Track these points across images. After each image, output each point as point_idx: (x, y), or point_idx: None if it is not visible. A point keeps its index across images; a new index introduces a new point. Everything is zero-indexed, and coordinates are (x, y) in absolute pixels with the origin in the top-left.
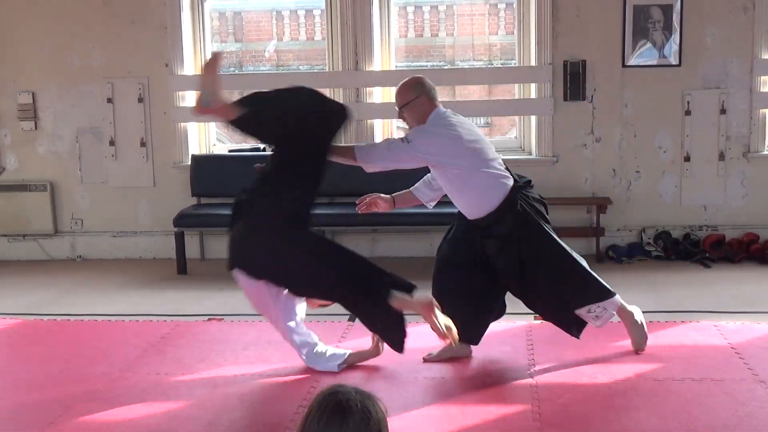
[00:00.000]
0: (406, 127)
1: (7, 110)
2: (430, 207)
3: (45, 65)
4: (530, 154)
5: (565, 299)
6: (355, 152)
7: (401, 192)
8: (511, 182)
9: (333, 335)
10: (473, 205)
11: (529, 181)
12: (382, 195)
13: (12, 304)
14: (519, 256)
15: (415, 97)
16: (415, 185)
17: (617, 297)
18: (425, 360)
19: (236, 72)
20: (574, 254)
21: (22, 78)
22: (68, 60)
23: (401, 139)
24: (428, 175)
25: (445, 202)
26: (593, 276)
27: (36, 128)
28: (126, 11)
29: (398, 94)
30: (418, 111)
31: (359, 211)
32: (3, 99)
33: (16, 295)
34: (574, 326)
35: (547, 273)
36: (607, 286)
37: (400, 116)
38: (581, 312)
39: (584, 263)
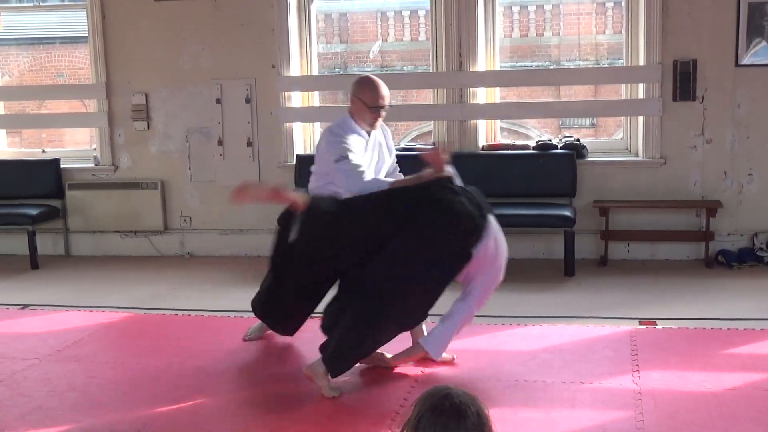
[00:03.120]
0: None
1: (121, 110)
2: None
3: (157, 67)
4: (637, 155)
5: None
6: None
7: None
8: None
9: None
10: None
11: None
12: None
13: (123, 298)
14: None
15: None
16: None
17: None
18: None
19: (341, 73)
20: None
21: (136, 79)
22: (179, 62)
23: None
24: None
25: (545, 203)
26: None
27: (148, 128)
28: (235, 14)
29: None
30: None
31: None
32: (118, 99)
33: (127, 289)
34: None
35: None
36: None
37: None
38: None
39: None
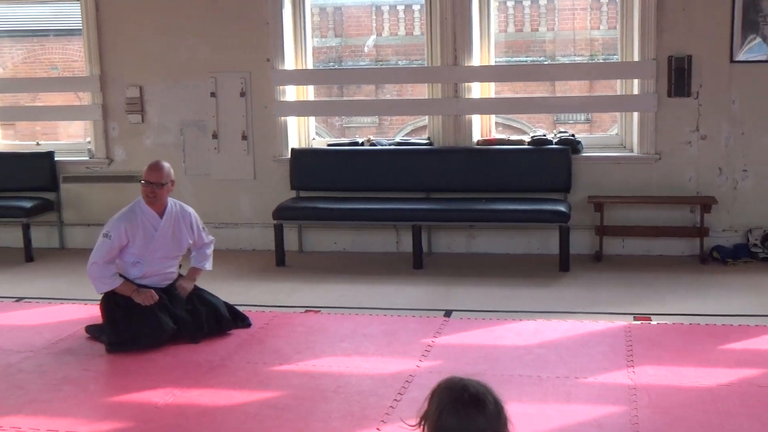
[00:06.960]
0: None
1: (115, 103)
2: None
3: (152, 60)
4: (632, 151)
5: None
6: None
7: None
8: None
9: (429, 329)
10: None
11: None
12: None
13: None
14: None
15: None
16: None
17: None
18: None
19: (336, 67)
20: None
21: (130, 72)
22: (174, 55)
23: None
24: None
25: (540, 198)
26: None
27: (143, 121)
28: (230, 7)
29: (160, 171)
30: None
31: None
32: (112, 93)
33: None
34: None
35: None
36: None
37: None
38: None
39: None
